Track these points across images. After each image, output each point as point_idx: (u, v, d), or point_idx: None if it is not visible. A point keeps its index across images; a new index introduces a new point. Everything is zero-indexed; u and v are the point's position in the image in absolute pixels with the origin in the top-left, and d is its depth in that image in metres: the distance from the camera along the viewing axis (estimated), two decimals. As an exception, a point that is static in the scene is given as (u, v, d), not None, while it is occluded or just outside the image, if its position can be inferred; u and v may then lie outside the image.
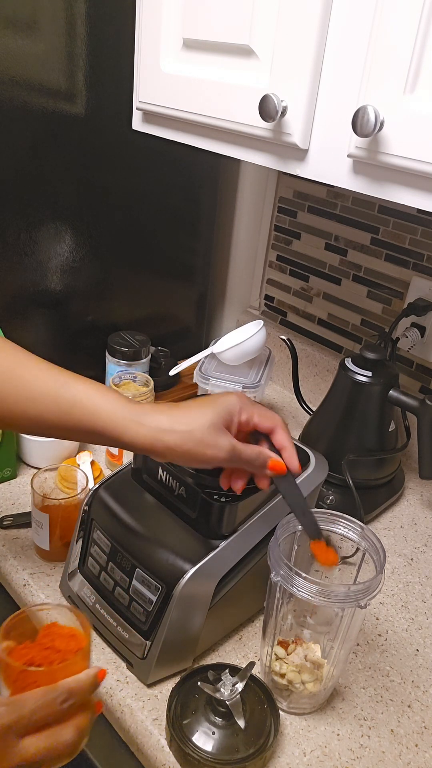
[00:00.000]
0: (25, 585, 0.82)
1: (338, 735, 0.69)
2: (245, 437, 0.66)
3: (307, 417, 1.08)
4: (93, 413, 0.59)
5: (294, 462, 0.65)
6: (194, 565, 0.68)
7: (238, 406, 0.62)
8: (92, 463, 0.99)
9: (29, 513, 0.89)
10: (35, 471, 0.92)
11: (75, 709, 0.51)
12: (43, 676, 0.51)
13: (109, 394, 0.60)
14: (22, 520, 0.90)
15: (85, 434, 0.60)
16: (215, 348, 1.09)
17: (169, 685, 0.70)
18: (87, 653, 0.55)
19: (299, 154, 0.69)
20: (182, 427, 0.59)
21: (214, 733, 0.63)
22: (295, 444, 0.85)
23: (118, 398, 0.60)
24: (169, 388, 1.22)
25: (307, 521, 0.66)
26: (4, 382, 0.60)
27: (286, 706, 0.70)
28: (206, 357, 1.12)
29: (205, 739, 0.62)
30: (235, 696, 0.63)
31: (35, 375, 0.61)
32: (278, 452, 0.66)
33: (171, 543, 0.71)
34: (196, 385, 1.11)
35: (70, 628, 0.58)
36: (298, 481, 0.79)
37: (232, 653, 0.76)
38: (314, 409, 1.07)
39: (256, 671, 0.69)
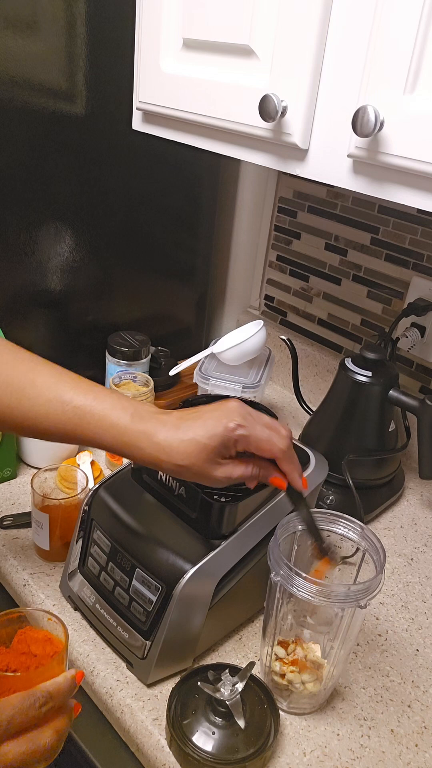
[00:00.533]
0: (25, 585, 0.82)
1: (338, 735, 0.69)
2: None
3: (307, 417, 1.08)
4: (97, 432, 0.59)
5: (298, 485, 0.65)
6: (194, 565, 0.68)
7: (233, 438, 0.59)
8: (92, 463, 0.99)
9: (29, 513, 0.89)
10: (35, 471, 0.92)
11: (53, 713, 0.51)
12: (19, 681, 0.51)
13: (113, 412, 0.59)
14: (22, 520, 0.90)
15: (96, 447, 0.61)
16: (215, 348, 1.09)
17: (169, 685, 0.70)
18: (63, 656, 0.56)
19: (299, 154, 0.69)
20: (178, 460, 0.58)
21: (214, 733, 0.63)
22: (295, 444, 0.85)
23: (122, 413, 0.59)
24: (169, 388, 1.22)
25: (313, 530, 0.67)
26: (13, 393, 0.60)
27: (286, 706, 0.70)
28: (206, 357, 1.12)
29: (205, 739, 0.62)
30: (235, 696, 0.63)
31: (44, 390, 0.60)
32: None
33: (171, 543, 0.71)
34: (196, 385, 1.11)
35: (45, 632, 0.58)
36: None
37: (232, 653, 0.76)
38: (314, 409, 1.07)
39: (256, 671, 0.69)
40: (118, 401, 0.60)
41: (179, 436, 0.58)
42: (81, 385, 0.61)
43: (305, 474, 0.80)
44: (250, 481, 0.63)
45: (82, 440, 0.60)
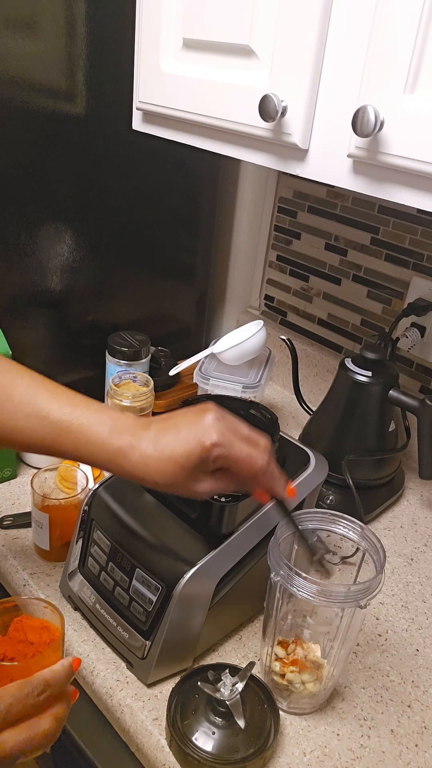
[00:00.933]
0: (25, 585, 0.82)
1: (338, 735, 0.69)
2: None
3: (307, 417, 1.08)
4: (76, 446, 0.59)
5: (283, 497, 0.64)
6: (194, 565, 0.68)
7: (210, 458, 0.57)
8: (92, 463, 0.99)
9: (29, 513, 0.89)
10: (35, 471, 0.92)
11: (52, 700, 0.51)
12: (17, 670, 0.52)
13: (90, 427, 0.58)
14: (22, 520, 0.90)
15: (78, 461, 0.60)
16: (215, 348, 1.09)
17: (169, 685, 0.70)
18: (60, 644, 0.56)
19: (299, 154, 0.69)
20: (157, 479, 0.58)
21: (214, 733, 0.63)
22: (295, 444, 0.85)
23: (100, 428, 0.58)
24: (169, 388, 1.22)
25: (300, 539, 0.67)
26: None
27: (286, 706, 0.70)
28: (206, 357, 1.12)
29: (205, 739, 0.62)
30: (235, 696, 0.63)
31: (21, 404, 0.59)
32: None
33: (171, 543, 0.71)
34: (196, 385, 1.11)
35: (41, 620, 0.59)
36: (298, 481, 0.79)
37: (232, 653, 0.76)
38: (314, 409, 1.07)
39: (256, 671, 0.69)
40: (96, 414, 0.59)
41: (156, 455, 0.57)
42: (60, 398, 0.60)
43: (306, 474, 0.80)
44: (232, 491, 0.63)
45: (62, 454, 0.60)
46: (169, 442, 0.57)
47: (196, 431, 0.57)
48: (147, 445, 0.57)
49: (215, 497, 0.69)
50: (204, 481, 0.59)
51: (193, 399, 0.80)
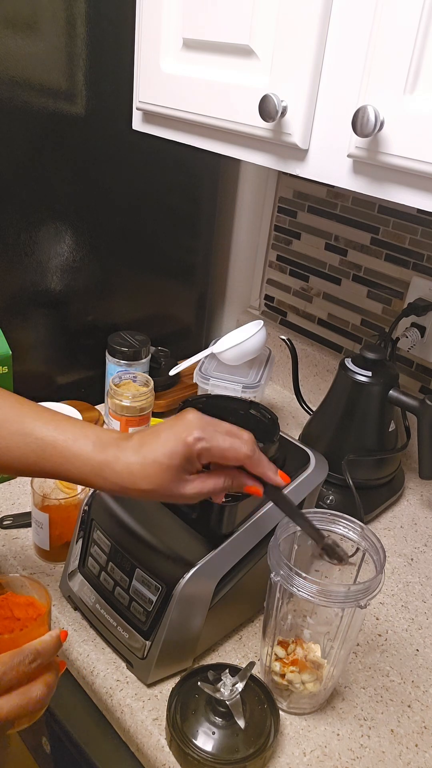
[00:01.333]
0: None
1: (338, 735, 0.69)
2: None
3: (307, 417, 1.08)
4: (61, 462, 0.59)
5: (276, 480, 0.63)
6: (194, 565, 0.68)
7: (194, 452, 0.57)
8: (92, 463, 0.99)
9: (29, 513, 0.89)
10: (35, 471, 0.92)
11: (42, 668, 0.53)
12: (6, 644, 0.53)
13: (75, 442, 0.59)
14: (22, 520, 0.90)
15: (62, 479, 0.61)
16: (215, 348, 1.09)
17: (169, 685, 0.70)
18: (46, 619, 0.58)
19: (299, 154, 0.69)
20: (143, 485, 0.58)
21: (214, 733, 0.63)
22: (295, 444, 0.85)
23: (84, 442, 0.59)
24: (169, 388, 1.22)
25: (304, 525, 0.66)
26: None
27: (286, 706, 0.70)
28: (206, 357, 1.12)
29: (205, 739, 0.62)
30: (235, 696, 0.63)
31: (5, 423, 0.59)
32: None
33: (171, 543, 0.71)
34: (196, 385, 1.11)
35: (26, 596, 0.60)
36: (298, 481, 0.79)
37: (232, 653, 0.76)
38: (314, 409, 1.07)
39: (256, 671, 0.69)
40: (80, 430, 0.60)
41: (140, 460, 0.57)
42: (43, 416, 0.60)
43: (306, 474, 0.80)
44: (222, 492, 0.62)
45: (45, 472, 0.60)
46: (151, 447, 0.58)
47: (177, 431, 0.58)
48: (130, 454, 0.58)
49: (215, 497, 0.69)
50: (191, 483, 0.59)
51: (194, 399, 0.80)
